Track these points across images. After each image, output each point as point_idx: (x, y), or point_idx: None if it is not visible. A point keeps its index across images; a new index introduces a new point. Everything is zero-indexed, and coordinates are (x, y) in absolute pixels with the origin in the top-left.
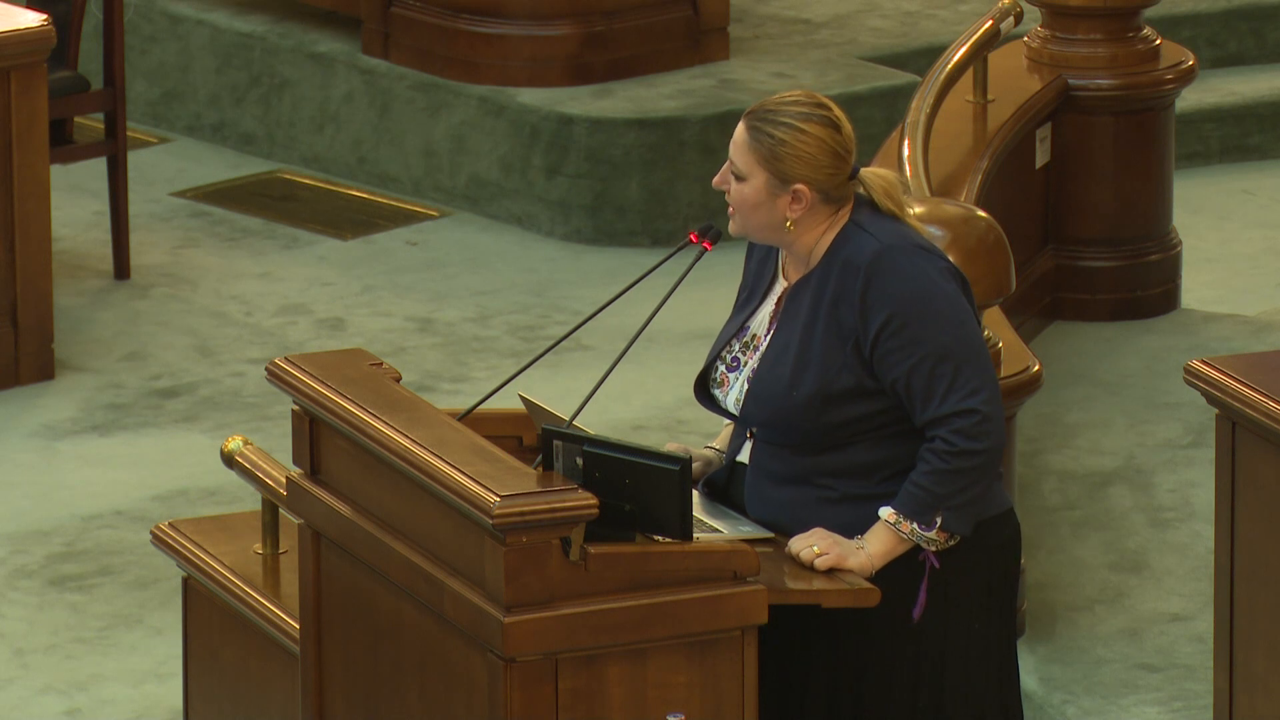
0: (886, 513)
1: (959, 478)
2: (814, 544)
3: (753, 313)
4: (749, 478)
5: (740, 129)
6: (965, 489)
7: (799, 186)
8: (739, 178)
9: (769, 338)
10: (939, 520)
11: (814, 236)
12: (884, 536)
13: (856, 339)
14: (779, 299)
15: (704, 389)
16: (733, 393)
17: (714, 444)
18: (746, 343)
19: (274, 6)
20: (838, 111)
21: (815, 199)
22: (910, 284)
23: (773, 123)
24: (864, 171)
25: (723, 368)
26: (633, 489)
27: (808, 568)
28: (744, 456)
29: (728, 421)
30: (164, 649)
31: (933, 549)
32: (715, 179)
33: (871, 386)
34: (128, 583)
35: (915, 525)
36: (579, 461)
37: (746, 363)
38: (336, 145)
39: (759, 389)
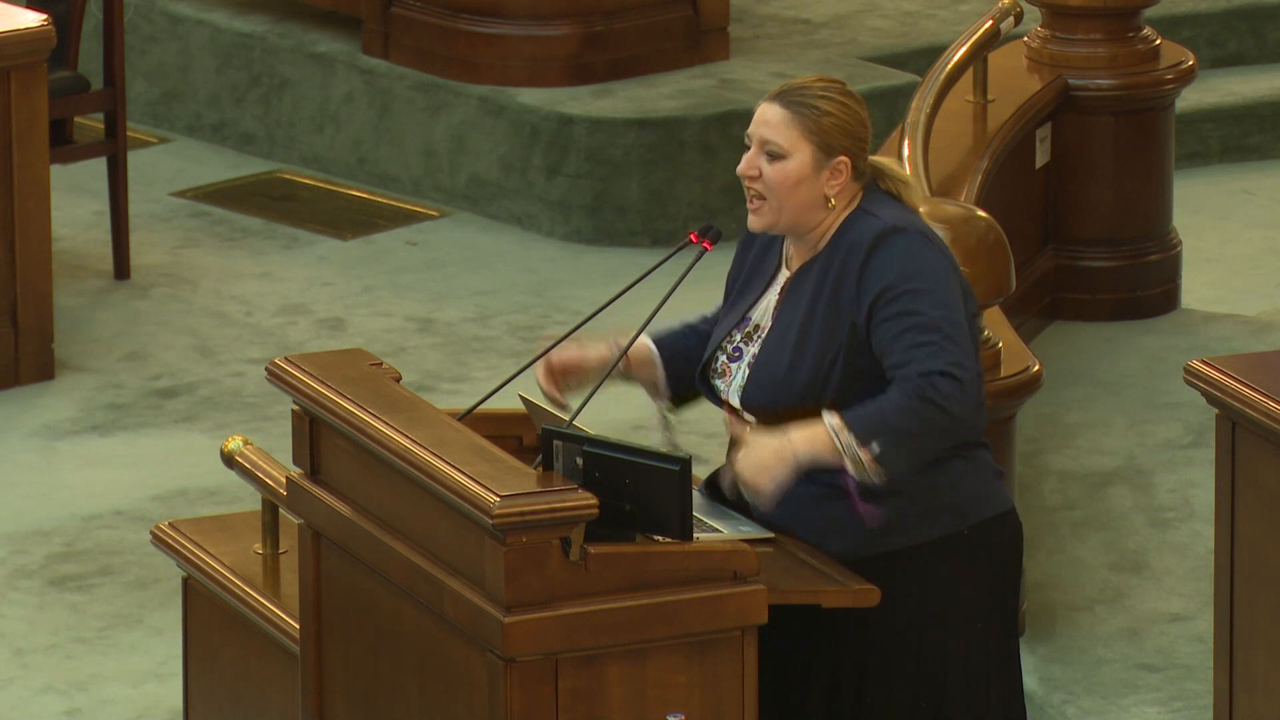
0: (831, 417)
1: (918, 421)
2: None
3: (754, 303)
4: None
5: (773, 109)
6: (917, 436)
7: (842, 159)
8: (777, 157)
9: (772, 324)
10: (876, 447)
11: (831, 218)
12: (816, 433)
13: (853, 321)
14: (783, 288)
15: (704, 379)
16: (735, 381)
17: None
18: (749, 333)
19: (274, 6)
20: (856, 91)
21: (850, 174)
22: (909, 262)
23: (812, 96)
24: (872, 158)
25: (723, 358)
26: (633, 489)
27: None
28: None
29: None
30: (164, 649)
31: (853, 472)
32: (741, 167)
33: (869, 370)
34: (128, 583)
35: (853, 438)
36: (579, 461)
37: (749, 352)
38: (336, 145)
39: (760, 373)
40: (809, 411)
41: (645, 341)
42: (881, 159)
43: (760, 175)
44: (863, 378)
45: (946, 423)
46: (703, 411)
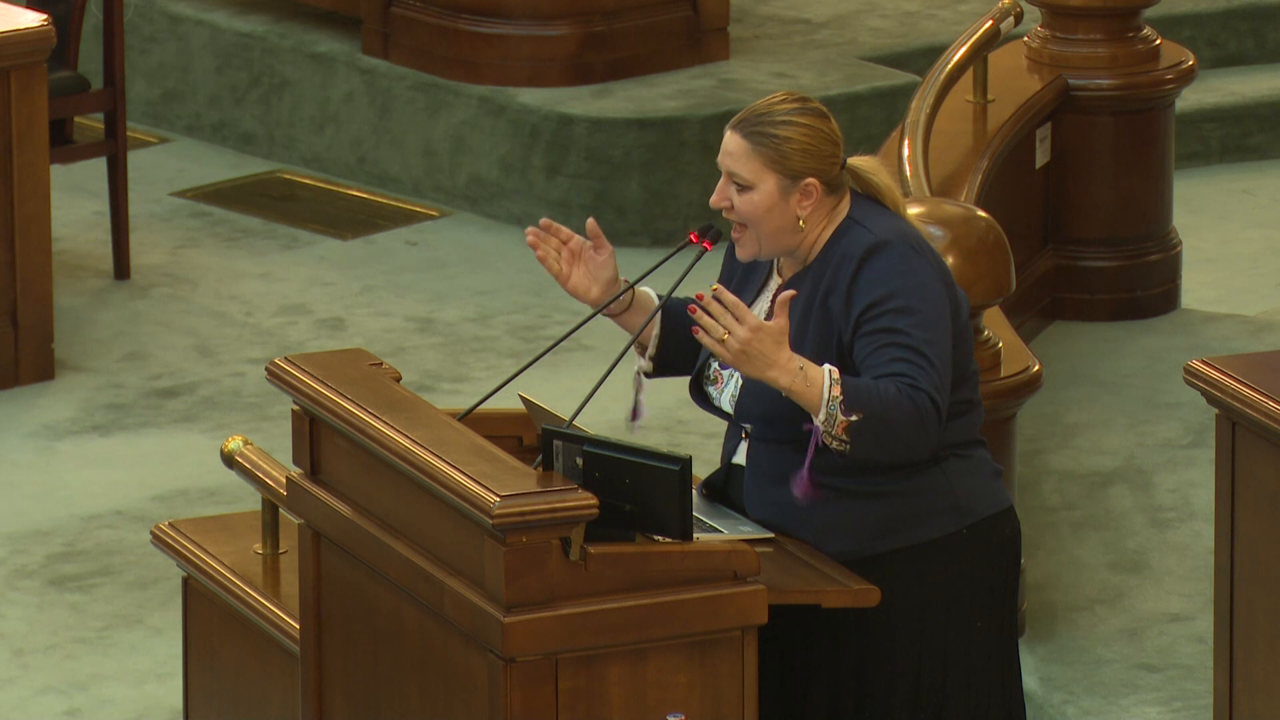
0: (833, 371)
1: (903, 421)
2: (748, 338)
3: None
4: (746, 479)
5: (734, 140)
6: (893, 434)
7: (809, 181)
8: (745, 188)
9: None
10: (855, 418)
11: (816, 233)
12: (815, 377)
13: (840, 333)
14: (774, 296)
15: (698, 387)
16: (727, 390)
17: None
18: None
19: (274, 6)
20: (819, 104)
21: (822, 191)
22: (900, 279)
23: (770, 123)
24: (851, 161)
25: (716, 365)
26: (633, 489)
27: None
28: (740, 458)
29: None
30: (164, 649)
31: (822, 425)
32: (713, 199)
33: None
34: (128, 583)
35: (842, 400)
36: (579, 461)
37: None
38: (336, 145)
39: (753, 384)
40: (803, 422)
41: (648, 291)
42: (859, 162)
43: (733, 207)
44: None
45: (917, 440)
46: (704, 412)
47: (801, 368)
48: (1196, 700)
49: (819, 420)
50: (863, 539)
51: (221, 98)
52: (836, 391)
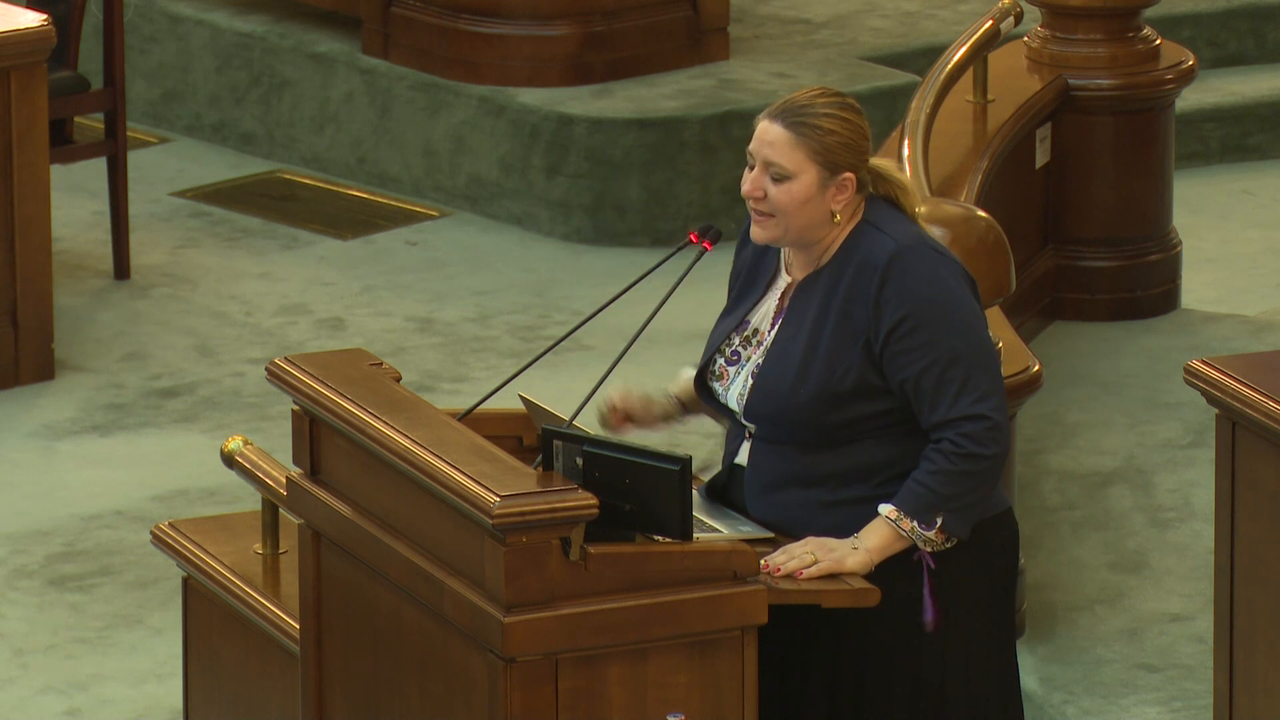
0: (887, 509)
1: (964, 480)
2: (809, 551)
3: (753, 307)
4: (748, 479)
5: (775, 130)
6: (969, 492)
7: (847, 175)
8: (782, 179)
9: (774, 333)
10: (939, 521)
11: (836, 231)
12: (882, 533)
13: (867, 338)
14: (783, 294)
15: (703, 383)
16: (733, 387)
17: (672, 389)
18: (747, 337)
19: (274, 6)
20: (854, 100)
21: (855, 187)
22: (927, 286)
23: (814, 115)
24: (872, 161)
25: (721, 361)
26: (633, 489)
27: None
28: (742, 458)
29: (686, 375)
30: (164, 649)
31: (929, 549)
32: (746, 188)
33: (877, 385)
34: (128, 583)
35: (915, 524)
36: (579, 461)
37: (749, 357)
38: (336, 145)
39: (764, 384)
40: (813, 426)
41: (689, 373)
42: (880, 162)
43: (766, 196)
44: (870, 395)
45: (990, 464)
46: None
47: (856, 542)
48: (1196, 700)
49: (923, 547)
50: None
51: (221, 98)
52: (907, 525)
